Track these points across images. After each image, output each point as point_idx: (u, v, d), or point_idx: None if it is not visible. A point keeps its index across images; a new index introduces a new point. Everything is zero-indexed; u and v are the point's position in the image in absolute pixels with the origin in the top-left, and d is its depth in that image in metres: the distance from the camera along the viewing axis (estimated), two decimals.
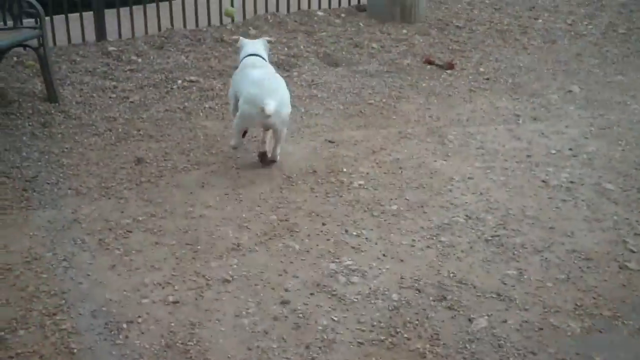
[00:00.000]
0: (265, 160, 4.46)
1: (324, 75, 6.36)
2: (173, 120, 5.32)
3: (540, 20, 8.18)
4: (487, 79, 6.41)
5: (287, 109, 4.33)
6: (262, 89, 4.24)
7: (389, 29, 7.64)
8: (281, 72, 6.18)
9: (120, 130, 5.12)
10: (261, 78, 4.36)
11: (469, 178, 4.36)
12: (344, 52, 6.95)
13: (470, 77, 6.44)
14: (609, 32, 7.87)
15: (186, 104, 5.61)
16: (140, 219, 3.88)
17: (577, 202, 4.14)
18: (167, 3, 7.21)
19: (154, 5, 7.12)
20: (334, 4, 8.19)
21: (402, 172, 4.42)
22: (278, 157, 4.47)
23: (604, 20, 8.24)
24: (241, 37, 5.07)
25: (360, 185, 4.22)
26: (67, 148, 4.80)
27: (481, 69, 6.65)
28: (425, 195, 4.13)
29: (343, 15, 8.01)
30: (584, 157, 4.73)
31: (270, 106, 4.07)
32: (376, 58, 6.84)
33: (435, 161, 4.58)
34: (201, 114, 5.46)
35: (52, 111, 5.35)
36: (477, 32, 7.71)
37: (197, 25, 7.36)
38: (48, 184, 4.33)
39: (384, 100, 5.84)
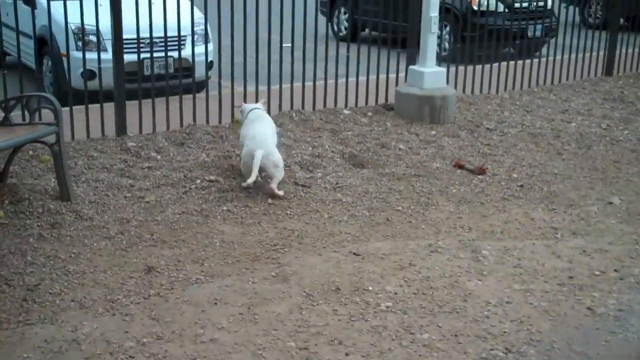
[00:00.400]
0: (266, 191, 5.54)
1: (349, 177, 6.08)
2: (189, 223, 5.03)
3: (573, 124, 7.92)
4: (521, 186, 6.09)
5: (274, 156, 5.51)
6: (254, 143, 5.46)
7: (417, 130, 7.40)
8: (304, 172, 5.93)
9: (132, 233, 4.83)
10: (254, 133, 5.59)
11: (507, 302, 3.99)
12: (370, 153, 6.69)
13: (502, 183, 6.13)
14: None
15: (204, 205, 5.33)
16: (145, 341, 3.53)
17: (628, 334, 3.74)
18: (190, 97, 7.04)
19: (176, 98, 6.95)
20: (361, 102, 8.00)
21: (433, 292, 4.05)
22: (278, 192, 5.54)
23: None
24: (243, 102, 6.34)
25: (387, 307, 3.86)
26: (74, 253, 4.51)
27: (514, 175, 6.34)
28: (460, 322, 3.75)
29: (370, 114, 7.81)
30: (632, 280, 4.35)
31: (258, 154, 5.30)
32: (404, 160, 6.57)
33: (470, 280, 4.22)
34: (219, 216, 5.17)
35: (63, 210, 5.08)
36: (508, 135, 7.45)
37: (220, 121, 7.17)
38: (50, 293, 4.02)
39: (412, 207, 5.53)
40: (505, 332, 3.69)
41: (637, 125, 8.00)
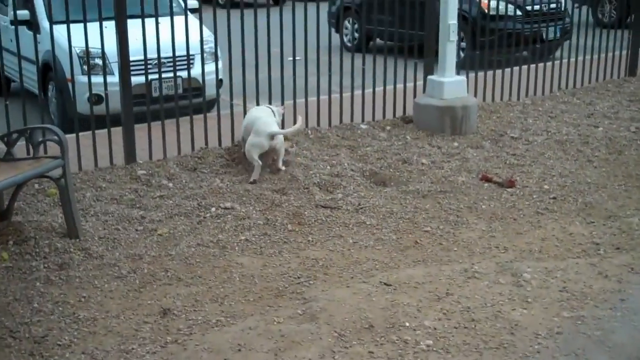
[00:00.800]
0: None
1: (371, 197, 5.76)
2: (205, 256, 4.71)
3: (600, 129, 7.57)
4: (554, 198, 5.75)
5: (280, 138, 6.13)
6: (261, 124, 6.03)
7: (439, 142, 7.07)
8: (324, 194, 5.62)
9: (145, 271, 4.51)
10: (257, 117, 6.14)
11: (557, 333, 3.64)
12: (391, 170, 6.36)
13: (534, 196, 5.79)
14: None
15: (220, 236, 5.02)
16: None
17: None
18: (200, 118, 6.73)
19: (187, 120, 6.65)
20: (378, 116, 7.68)
21: (475, 325, 3.71)
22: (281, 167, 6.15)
23: None
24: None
25: (428, 346, 3.52)
26: (84, 296, 4.20)
27: (545, 186, 6.00)
28: (510, 359, 3.41)
29: (388, 128, 7.48)
30: None
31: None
32: (427, 175, 6.24)
33: (514, 310, 3.87)
34: (237, 247, 4.85)
35: (72, 249, 4.78)
36: (534, 143, 7.11)
37: (232, 141, 6.86)
38: (59, 345, 3.71)
39: (441, 226, 5.20)
40: None
41: None
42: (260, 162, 6.00)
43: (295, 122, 6.40)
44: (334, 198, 5.72)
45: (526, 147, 6.99)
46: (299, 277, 4.40)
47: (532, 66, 8.69)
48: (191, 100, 6.71)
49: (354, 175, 6.21)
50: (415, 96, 7.80)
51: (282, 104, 6.93)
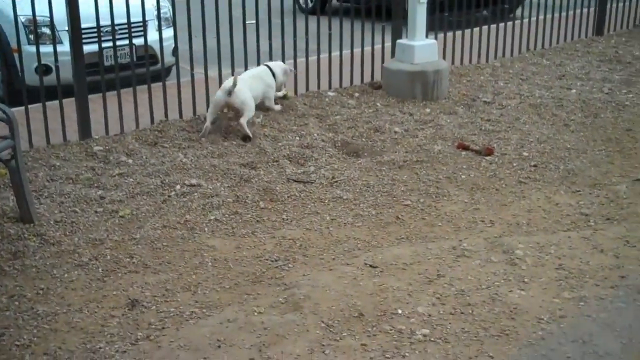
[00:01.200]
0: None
1: (345, 169, 5.45)
2: (173, 240, 4.36)
3: (574, 91, 7.36)
4: (535, 165, 5.51)
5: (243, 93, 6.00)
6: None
7: (411, 109, 6.78)
8: (295, 167, 5.30)
9: (108, 258, 4.15)
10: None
11: (560, 317, 3.39)
12: (363, 139, 6.06)
13: (514, 164, 5.55)
14: None
15: (187, 216, 4.67)
16: None
17: None
18: (160, 87, 6.31)
19: (144, 91, 6.23)
20: (345, 82, 7.33)
21: (473, 311, 3.45)
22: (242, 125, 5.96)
23: None
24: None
25: (425, 336, 3.24)
26: (42, 288, 3.83)
27: (524, 153, 5.76)
28: (514, 348, 3.16)
29: (357, 94, 7.15)
30: None
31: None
32: (401, 144, 5.95)
33: (511, 291, 3.61)
34: (206, 228, 4.51)
35: (26, 235, 4.39)
36: (508, 107, 6.86)
37: (194, 112, 6.47)
38: (17, 345, 3.35)
39: (421, 200, 4.92)
40: (569, 356, 3.09)
41: (639, 87, 7.45)
42: (210, 120, 6.04)
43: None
44: (306, 171, 5.40)
45: (500, 112, 6.75)
46: (276, 260, 4.09)
47: (501, 26, 8.41)
48: (148, 68, 6.29)
49: (325, 146, 5.89)
50: (383, 61, 7.48)
51: (246, 69, 6.54)
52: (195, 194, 5.00)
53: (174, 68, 6.83)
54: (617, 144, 5.99)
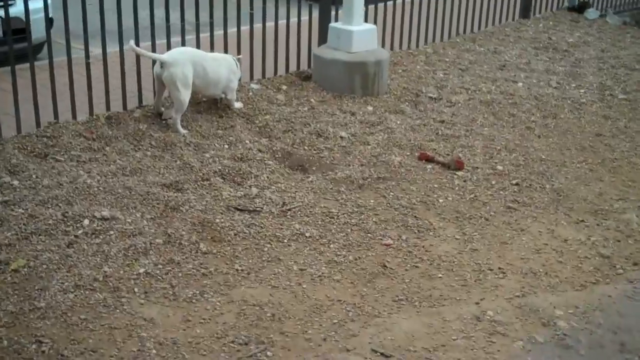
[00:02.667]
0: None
1: (294, 190, 4.40)
2: (92, 309, 3.19)
3: (520, 84, 6.60)
4: (516, 184, 4.68)
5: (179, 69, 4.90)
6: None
7: (351, 107, 5.77)
8: (232, 188, 4.22)
9: (4, 344, 2.91)
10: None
11: None
12: (306, 147, 5.01)
13: (492, 181, 4.69)
14: (607, 97, 6.41)
15: (106, 268, 3.49)
16: None
17: None
18: (46, 73, 4.96)
19: (27, 75, 4.86)
20: (269, 72, 6.19)
21: None
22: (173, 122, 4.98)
23: (591, 80, 6.79)
24: None
25: None
26: None
27: (498, 167, 4.92)
28: None
29: (284, 87, 6.05)
30: None
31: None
32: (353, 155, 4.95)
33: None
34: (136, 289, 3.35)
35: None
36: (458, 105, 5.99)
37: (91, 112, 5.16)
38: None
39: (403, 236, 3.97)
40: None
41: (587, 80, 6.81)
42: (157, 100, 5.22)
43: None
44: (247, 194, 4.30)
45: (451, 111, 5.86)
46: (246, 344, 3.01)
47: (431, 9, 7.50)
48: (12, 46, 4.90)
49: (263, 157, 4.79)
50: (310, 47, 6.40)
51: (137, 44, 5.24)
52: (111, 231, 3.79)
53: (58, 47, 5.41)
54: (594, 153, 5.26)
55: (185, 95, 4.98)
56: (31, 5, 4.92)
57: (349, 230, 3.99)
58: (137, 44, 5.01)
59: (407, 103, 5.97)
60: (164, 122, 5.15)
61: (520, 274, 3.63)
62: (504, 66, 7.09)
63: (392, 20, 7.01)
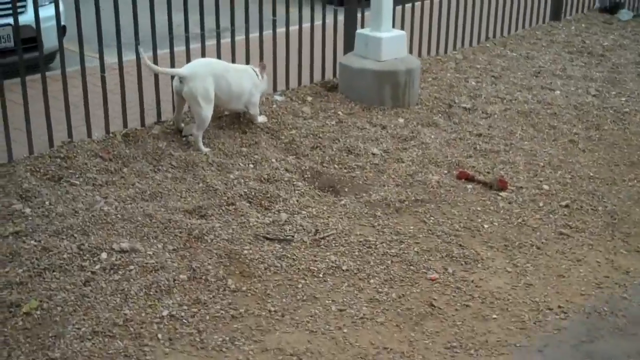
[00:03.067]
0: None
1: (327, 215, 4.08)
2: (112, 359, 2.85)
3: (558, 92, 6.24)
4: (566, 206, 4.33)
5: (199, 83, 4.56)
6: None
7: (381, 119, 5.43)
8: (258, 212, 3.89)
9: None
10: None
11: None
12: (336, 166, 4.68)
13: (540, 203, 4.36)
14: None
15: (127, 310, 3.18)
16: None
17: None
18: (58, 84, 4.66)
19: (38, 87, 4.56)
20: (293, 82, 5.86)
21: None
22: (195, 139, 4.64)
23: (631, 87, 6.45)
24: None
25: None
26: None
27: (544, 186, 4.57)
28: None
29: (309, 99, 5.72)
30: None
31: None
32: (387, 173, 4.63)
33: None
34: (160, 335, 3.04)
35: None
36: (494, 116, 5.64)
37: (107, 130, 4.85)
38: None
39: (449, 268, 3.63)
40: None
41: (627, 87, 6.43)
42: (176, 116, 4.92)
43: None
44: (276, 221, 3.97)
45: (488, 123, 5.51)
46: None
47: (459, 13, 7.14)
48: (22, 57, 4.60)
49: (291, 178, 4.46)
50: (335, 54, 6.06)
51: (156, 52, 4.94)
52: (131, 266, 3.48)
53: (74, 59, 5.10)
54: None
55: (208, 111, 4.66)
56: (42, 13, 4.62)
57: (389, 262, 3.66)
58: (155, 53, 4.70)
59: (440, 114, 5.63)
60: (184, 139, 4.84)
61: (583, 313, 3.29)
62: (539, 73, 6.73)
63: (419, 25, 6.66)
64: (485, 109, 5.77)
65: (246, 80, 4.91)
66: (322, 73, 6.05)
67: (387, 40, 5.62)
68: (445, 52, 7.09)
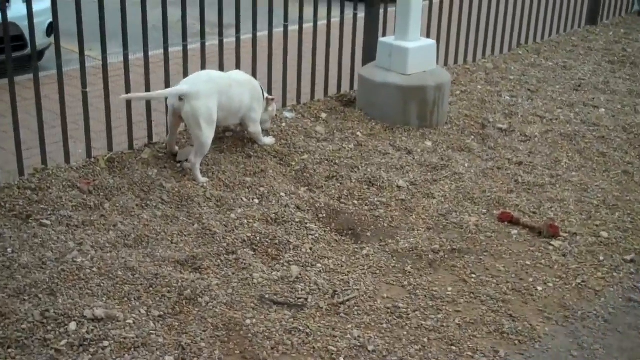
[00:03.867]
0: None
1: (346, 269, 3.39)
2: None
3: (603, 110, 5.54)
4: (631, 261, 3.65)
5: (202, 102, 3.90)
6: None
7: (406, 141, 4.73)
8: (264, 265, 3.18)
9: None
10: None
11: None
12: (356, 201, 3.98)
13: (599, 256, 3.66)
14: None
15: None
16: None
17: None
18: (31, 107, 3.97)
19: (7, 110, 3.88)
20: (305, 96, 5.15)
21: None
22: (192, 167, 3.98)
23: None
24: None
25: None
26: None
27: (602, 233, 3.86)
28: None
29: (323, 116, 5.01)
30: None
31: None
32: (416, 212, 3.93)
33: None
34: None
35: None
36: (534, 139, 4.94)
37: (89, 155, 4.15)
38: None
39: (501, 351, 2.97)
40: None
41: None
42: (169, 137, 4.23)
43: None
44: (285, 277, 3.28)
45: (528, 149, 4.81)
46: None
47: (491, 17, 6.40)
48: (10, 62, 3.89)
49: (303, 218, 3.76)
50: (353, 64, 5.34)
51: (148, 52, 4.24)
52: (106, 342, 2.79)
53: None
54: None
55: (209, 134, 3.96)
56: (22, 10, 3.92)
57: (425, 339, 2.96)
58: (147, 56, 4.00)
59: (472, 137, 4.92)
60: (178, 165, 4.14)
61: None
62: (579, 86, 6.01)
63: (446, 30, 5.94)
64: (524, 131, 5.06)
65: (247, 94, 4.21)
66: (338, 85, 5.34)
67: (414, 50, 4.91)
68: (474, 59, 6.37)
